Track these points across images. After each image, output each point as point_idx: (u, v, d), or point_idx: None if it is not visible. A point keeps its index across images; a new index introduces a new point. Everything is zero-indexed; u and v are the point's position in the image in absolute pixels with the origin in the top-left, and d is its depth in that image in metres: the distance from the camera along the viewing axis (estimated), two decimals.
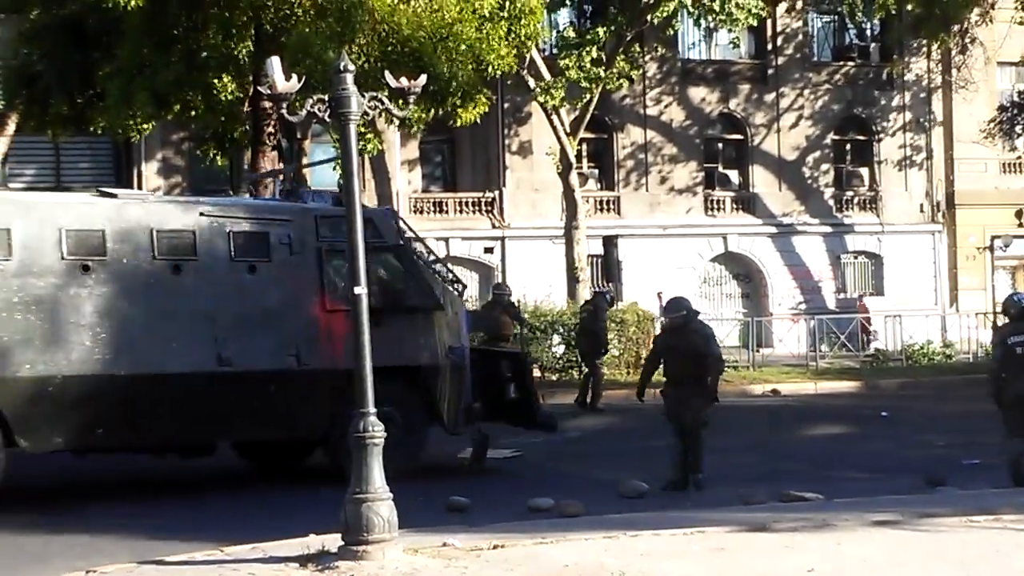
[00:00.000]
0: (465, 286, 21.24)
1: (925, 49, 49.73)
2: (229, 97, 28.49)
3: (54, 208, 17.40)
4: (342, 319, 16.94)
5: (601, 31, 39.93)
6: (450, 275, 20.57)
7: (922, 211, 50.95)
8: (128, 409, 17.20)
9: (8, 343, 16.46)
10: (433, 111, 29.63)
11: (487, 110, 31.96)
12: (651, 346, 19.80)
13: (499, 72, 30.62)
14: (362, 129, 30.06)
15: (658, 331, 27.94)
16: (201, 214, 18.13)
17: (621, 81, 41.50)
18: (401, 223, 20.36)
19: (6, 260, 16.58)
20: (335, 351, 17.89)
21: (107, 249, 17.27)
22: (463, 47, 28.04)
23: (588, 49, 39.58)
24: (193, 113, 30.15)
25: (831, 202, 50.04)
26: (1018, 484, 16.41)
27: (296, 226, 18.57)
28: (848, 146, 51.27)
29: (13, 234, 16.69)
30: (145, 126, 30.66)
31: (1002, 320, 19.35)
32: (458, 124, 31.31)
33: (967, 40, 46.56)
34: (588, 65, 39.65)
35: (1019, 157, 48.97)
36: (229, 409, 17.86)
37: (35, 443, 16.98)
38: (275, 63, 12.22)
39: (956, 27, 45.42)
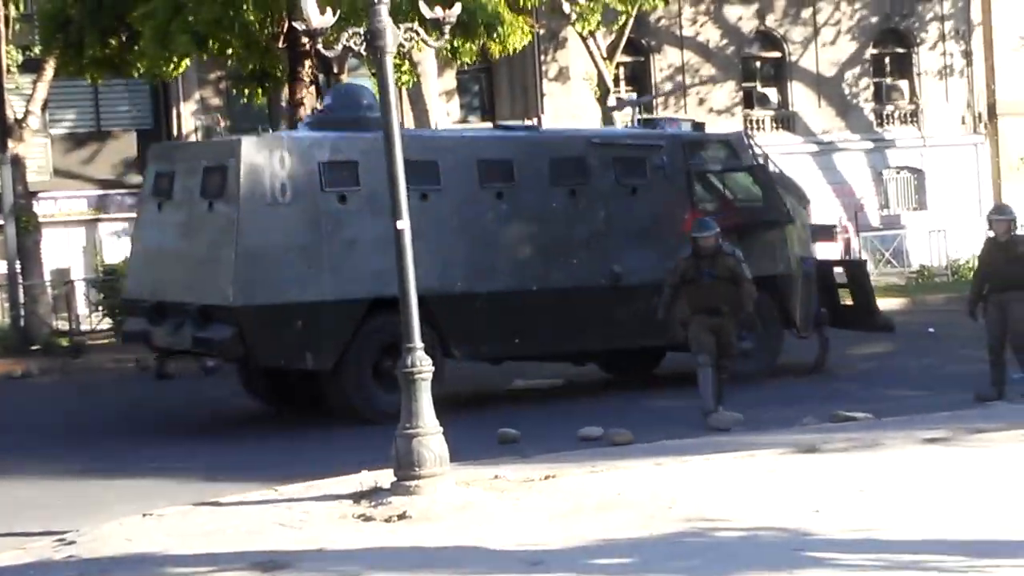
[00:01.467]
0: (809, 201, 23.43)
1: None
2: (266, 34, 28.41)
3: (470, 143, 20.34)
4: None
5: None
6: (799, 191, 22.64)
7: (963, 123, 50.57)
8: (538, 321, 19.08)
9: (443, 264, 18.40)
10: (473, 44, 29.47)
11: (536, 38, 31.85)
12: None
13: (536, 3, 30.49)
14: (398, 61, 30.00)
15: None
16: (590, 143, 20.41)
17: (656, 2, 41.23)
18: (753, 144, 22.32)
19: (437, 189, 18.64)
20: None
21: (515, 177, 19.44)
22: None
23: None
24: (230, 52, 30.10)
25: (871, 117, 49.74)
26: None
27: (667, 151, 20.57)
28: (887, 59, 50.88)
29: (440, 166, 18.83)
30: (180, 67, 30.64)
31: None
32: (497, 55, 31.10)
33: None
34: None
35: None
36: (618, 320, 19.72)
37: (465, 352, 19.16)
38: None
39: None
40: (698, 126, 23.13)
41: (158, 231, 19.07)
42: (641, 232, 20.04)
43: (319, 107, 21.52)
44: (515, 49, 30.68)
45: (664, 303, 17.42)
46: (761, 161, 22.00)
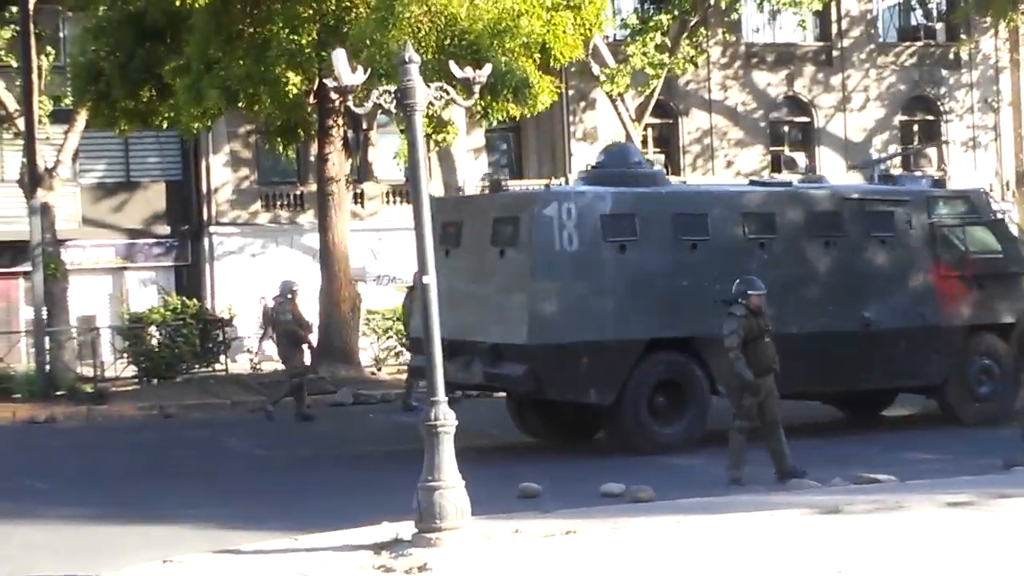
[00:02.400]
0: None
1: (992, 27, 49.29)
2: (296, 90, 28.63)
3: (737, 197, 21.46)
4: (953, 283, 21.64)
5: (665, 17, 39.90)
6: None
7: (991, 190, 50.51)
8: (795, 362, 18.90)
9: (710, 309, 18.63)
10: (504, 104, 29.59)
11: (558, 100, 32.01)
12: None
13: (566, 62, 30.65)
14: (434, 120, 30.19)
15: None
16: (844, 198, 21.89)
17: (686, 66, 41.41)
18: (991, 200, 23.86)
19: (705, 239, 20.11)
20: (949, 310, 21.66)
21: (776, 229, 20.84)
22: (521, 40, 28.03)
23: (652, 35, 39.52)
24: (257, 107, 30.31)
25: None
26: None
27: (913, 206, 22.00)
28: (916, 127, 50.88)
29: (708, 218, 20.31)
30: (211, 121, 30.85)
31: None
32: (528, 115, 31.18)
33: None
34: (652, 51, 39.61)
35: None
36: (867, 362, 21.00)
37: None
38: (341, 56, 12.30)
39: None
40: (938, 183, 24.81)
41: (445, 276, 19.34)
42: (889, 281, 21.54)
43: (592, 164, 22.56)
44: (540, 111, 30.81)
45: (743, 366, 16.71)
46: (999, 216, 23.64)
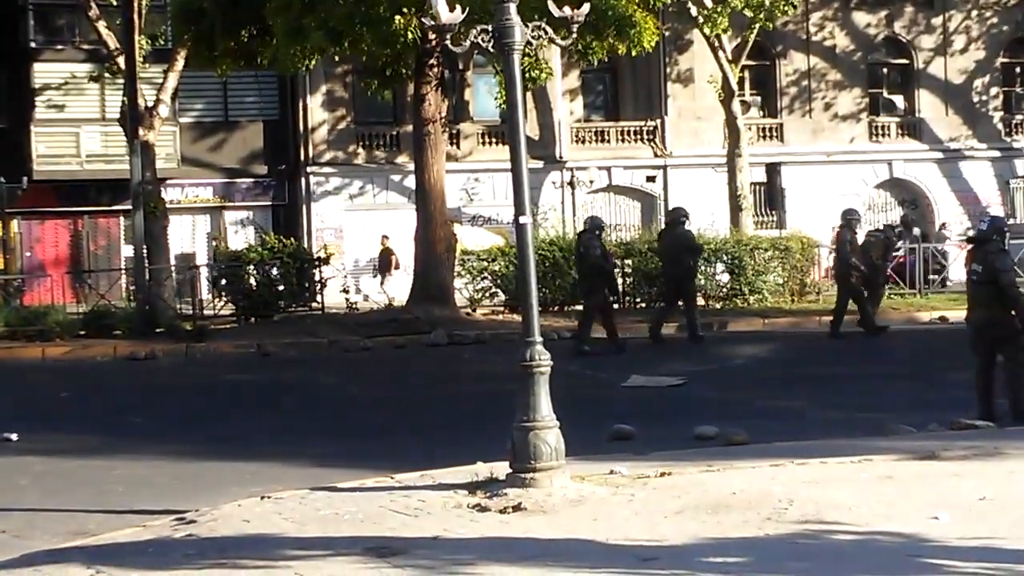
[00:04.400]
0: None
1: None
2: (400, 30, 28.60)
3: None
4: None
5: None
6: None
7: None
8: None
9: None
10: (604, 43, 29.50)
11: (659, 41, 31.87)
12: None
13: (665, 1, 30.47)
14: (528, 59, 30.11)
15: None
16: None
17: (787, 8, 41.01)
18: None
19: None
20: None
21: None
22: None
23: None
24: (363, 47, 30.35)
25: (1000, 126, 49.15)
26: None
27: None
28: (1018, 69, 50.27)
29: None
30: (311, 61, 30.95)
31: None
32: (632, 54, 31.07)
33: None
34: None
35: None
36: None
37: None
38: None
39: None
40: None
41: None
42: None
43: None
44: (644, 50, 30.69)
45: None
46: None
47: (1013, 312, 16.28)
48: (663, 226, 29.53)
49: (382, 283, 40.96)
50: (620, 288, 31.62)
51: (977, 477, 11.90)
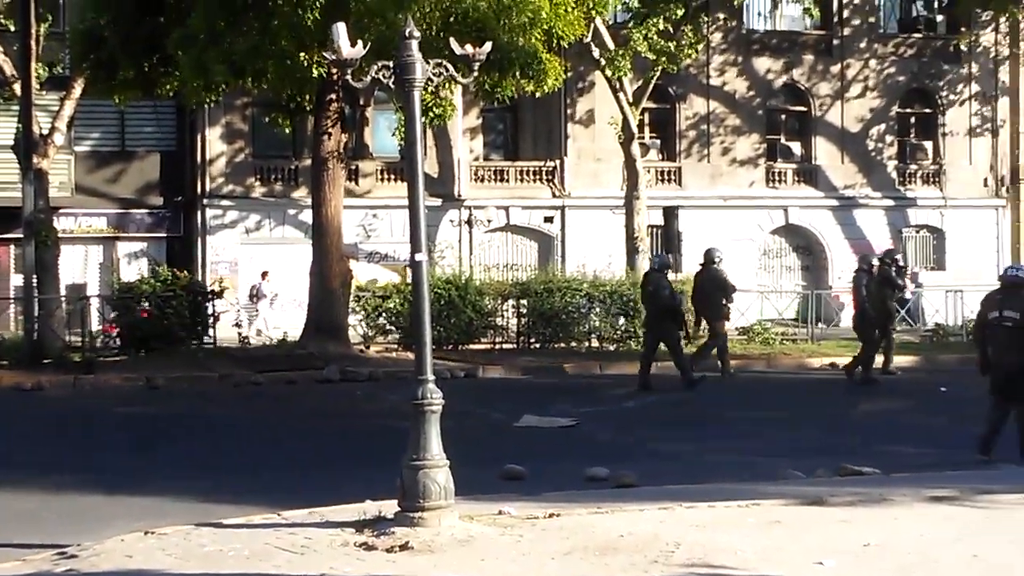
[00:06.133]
0: None
1: (993, 21, 49.29)
2: (304, 65, 28.50)
3: None
4: None
5: (673, 5, 39.67)
6: None
7: (986, 185, 50.59)
8: None
9: None
10: (511, 81, 29.61)
11: (563, 81, 32.06)
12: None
13: (569, 42, 30.64)
14: (430, 96, 30.14)
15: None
16: None
17: (690, 52, 41.35)
18: None
19: None
20: None
21: None
22: (526, 17, 28.06)
23: (656, 20, 39.43)
24: (264, 81, 30.23)
25: (894, 175, 49.79)
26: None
27: None
28: (913, 119, 50.96)
29: None
30: (217, 95, 30.74)
31: None
32: (536, 93, 31.25)
33: None
34: (655, 37, 39.53)
35: None
36: None
37: None
38: (340, 29, 12.23)
39: None
40: None
41: None
42: None
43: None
44: (549, 89, 30.88)
45: None
46: None
47: None
48: (698, 265, 29.90)
49: (250, 318, 40.86)
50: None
51: (863, 523, 12.00)
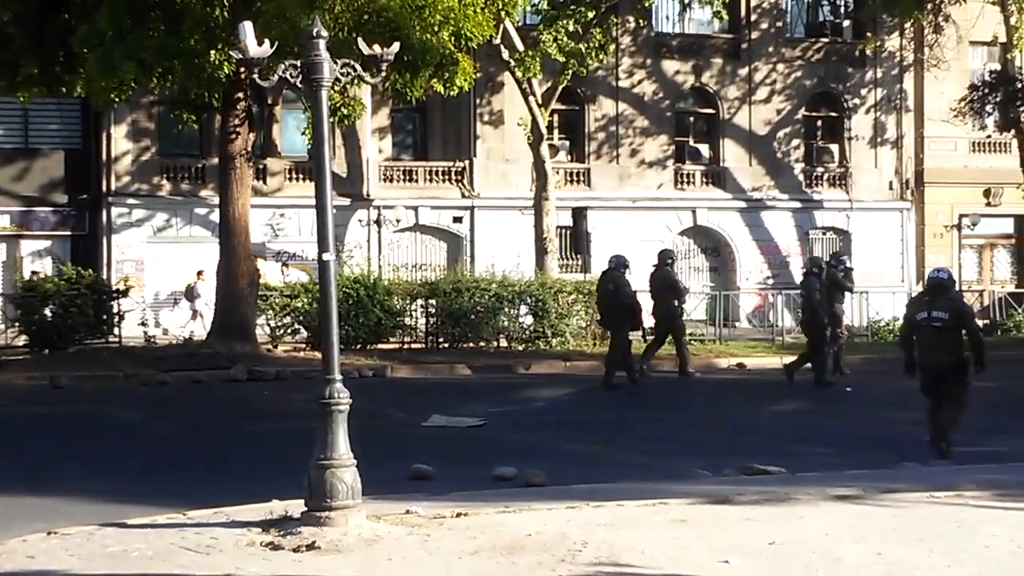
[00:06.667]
0: None
1: (898, 27, 49.81)
2: (213, 64, 28.29)
3: None
4: None
5: (583, 8, 39.72)
6: None
7: (891, 188, 51.11)
8: None
9: None
10: (421, 80, 29.58)
11: (473, 82, 32.07)
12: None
13: (477, 43, 30.64)
14: (339, 96, 30.04)
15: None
16: None
17: (602, 55, 41.45)
18: None
19: None
20: None
21: None
22: (439, 16, 28.04)
23: (565, 22, 39.48)
24: (171, 80, 29.99)
25: (801, 178, 50.16)
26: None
27: None
28: (819, 122, 51.37)
29: None
30: (126, 93, 30.43)
31: None
32: (449, 93, 31.28)
33: (940, 19, 46.73)
34: (564, 39, 39.59)
35: (988, 136, 49.03)
36: None
37: None
38: (247, 28, 12.17)
39: (929, 5, 45.62)
40: None
41: None
42: None
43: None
44: (460, 90, 30.90)
45: None
46: None
47: (974, 350, 17.90)
48: (651, 267, 30.15)
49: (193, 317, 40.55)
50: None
51: (768, 522, 12.08)
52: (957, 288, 18.66)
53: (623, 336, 27.64)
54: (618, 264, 28.29)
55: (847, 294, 31.10)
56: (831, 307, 29.06)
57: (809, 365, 28.34)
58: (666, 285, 29.56)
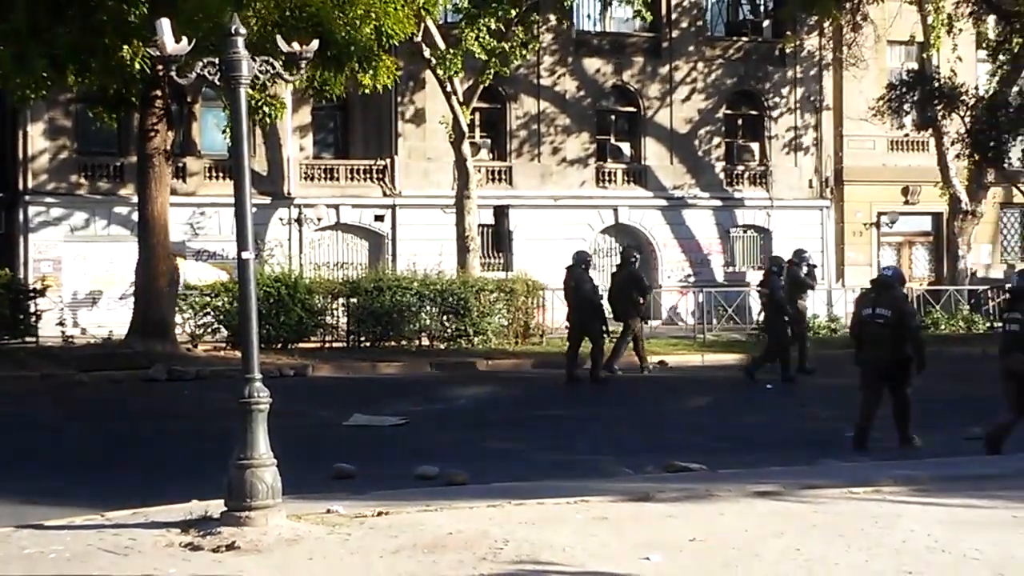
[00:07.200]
0: None
1: (818, 26, 50.15)
2: (128, 60, 28.05)
3: None
4: None
5: (505, 4, 39.71)
6: None
7: (811, 187, 51.45)
8: None
9: None
10: (342, 77, 29.50)
11: (396, 79, 32.04)
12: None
13: (398, 40, 30.59)
14: (259, 94, 29.91)
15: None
16: None
17: (524, 53, 41.45)
18: None
19: None
20: None
21: None
22: (360, 11, 27.98)
23: (487, 20, 39.44)
24: (87, 77, 29.71)
25: (721, 176, 50.39)
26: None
27: None
28: (740, 121, 51.61)
29: None
30: (42, 90, 30.09)
31: None
32: (366, 90, 31.24)
33: (858, 18, 47.13)
34: (486, 37, 39.56)
35: (907, 135, 49.47)
36: None
37: None
38: (165, 24, 12.07)
39: (848, 4, 45.99)
40: None
41: None
42: None
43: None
44: (383, 86, 30.86)
45: None
46: None
47: (914, 350, 18.46)
48: (615, 266, 30.46)
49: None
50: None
51: (689, 519, 12.13)
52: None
53: (595, 331, 28.13)
54: (579, 261, 28.75)
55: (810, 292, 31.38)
56: (793, 305, 29.26)
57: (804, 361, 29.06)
58: (633, 282, 29.89)
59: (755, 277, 47.53)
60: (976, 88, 46.26)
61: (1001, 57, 46.57)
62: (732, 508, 12.70)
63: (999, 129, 42.29)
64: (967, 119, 43.29)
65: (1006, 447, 17.24)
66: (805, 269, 30.46)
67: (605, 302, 29.26)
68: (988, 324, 42.10)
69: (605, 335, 28.74)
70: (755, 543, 11.12)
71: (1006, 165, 43.50)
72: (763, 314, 30.71)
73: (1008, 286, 18.59)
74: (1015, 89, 45.47)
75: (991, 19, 45.56)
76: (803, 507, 12.82)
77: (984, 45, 48.24)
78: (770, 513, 12.49)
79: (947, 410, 21.66)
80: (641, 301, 30.19)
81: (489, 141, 47.74)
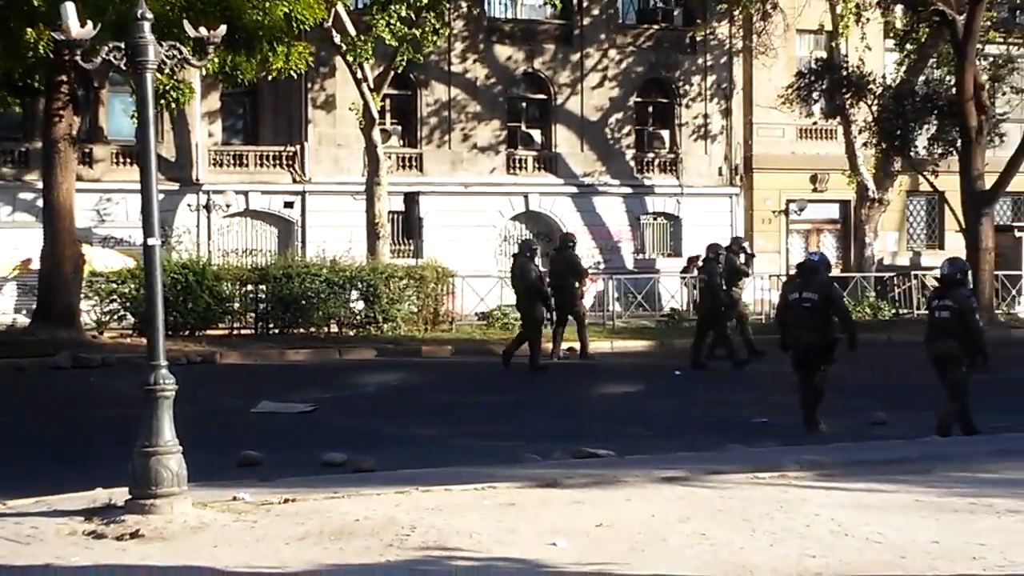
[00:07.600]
0: None
1: (728, 14, 50.40)
2: (33, 44, 27.72)
3: None
4: None
5: None
6: None
7: (720, 174, 51.73)
8: None
9: None
10: (254, 61, 29.32)
11: (307, 63, 31.90)
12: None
13: (308, 25, 30.45)
14: (168, 79, 29.67)
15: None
16: None
17: (435, 40, 41.34)
18: None
19: None
20: None
21: None
22: None
23: (398, 7, 39.30)
24: None
25: (632, 163, 50.55)
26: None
27: None
28: (650, 108, 51.77)
29: None
30: None
31: None
32: (278, 75, 31.11)
33: (768, 6, 47.46)
34: (397, 24, 39.42)
35: (815, 123, 49.90)
36: None
37: None
38: (69, 8, 11.94)
39: None
40: None
41: None
42: None
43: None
44: (294, 71, 30.72)
45: None
46: None
47: (846, 331, 18.96)
48: (553, 250, 30.45)
49: None
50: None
51: (596, 504, 12.18)
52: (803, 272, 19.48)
53: (535, 317, 28.21)
54: (526, 249, 29.00)
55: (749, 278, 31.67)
56: (729, 292, 29.44)
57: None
58: (569, 267, 29.86)
59: (665, 264, 47.84)
60: (884, 77, 46.67)
61: (908, 47, 47.06)
62: (639, 493, 12.76)
63: (906, 118, 42.66)
64: (875, 108, 43.66)
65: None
66: (743, 257, 30.71)
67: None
68: (894, 311, 42.58)
69: (549, 323, 28.77)
70: (661, 528, 11.18)
71: (912, 153, 43.87)
72: (699, 300, 30.88)
73: (938, 274, 18.87)
74: (921, 78, 45.90)
75: (899, 9, 45.96)
76: (709, 492, 12.90)
77: (892, 35, 48.70)
78: (676, 498, 12.56)
79: (852, 396, 21.85)
80: (577, 285, 30.16)
81: (400, 128, 47.61)
